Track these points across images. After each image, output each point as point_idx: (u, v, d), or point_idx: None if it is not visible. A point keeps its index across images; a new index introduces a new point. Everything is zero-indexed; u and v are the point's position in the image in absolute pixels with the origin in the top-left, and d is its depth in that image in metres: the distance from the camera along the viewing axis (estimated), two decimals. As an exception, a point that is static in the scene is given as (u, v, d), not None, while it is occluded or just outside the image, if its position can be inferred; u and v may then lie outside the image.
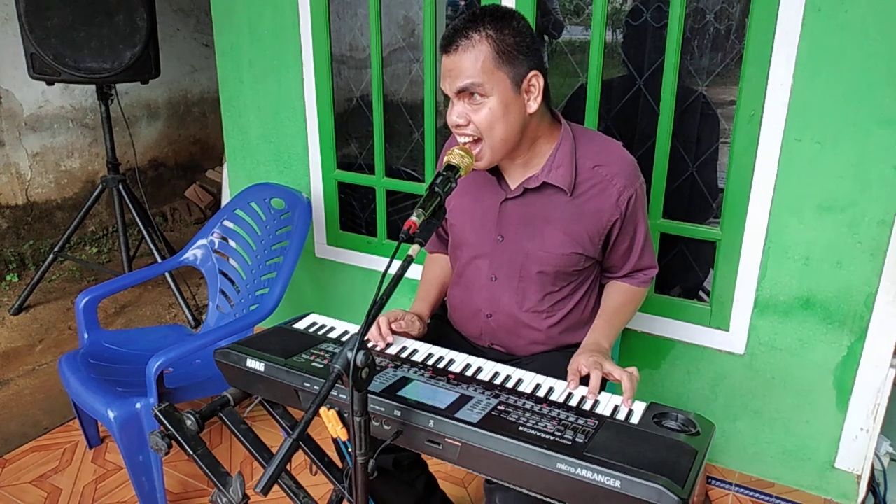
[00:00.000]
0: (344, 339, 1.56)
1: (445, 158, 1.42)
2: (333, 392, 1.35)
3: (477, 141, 1.47)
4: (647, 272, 1.70)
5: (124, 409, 1.96)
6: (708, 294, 2.22)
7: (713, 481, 2.27)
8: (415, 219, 1.30)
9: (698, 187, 2.16)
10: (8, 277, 3.85)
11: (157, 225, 4.43)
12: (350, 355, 1.12)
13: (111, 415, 1.96)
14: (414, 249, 1.29)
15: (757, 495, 2.21)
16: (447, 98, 1.50)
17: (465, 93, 1.43)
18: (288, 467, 1.53)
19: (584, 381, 1.41)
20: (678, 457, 1.17)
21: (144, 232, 3.37)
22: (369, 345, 1.54)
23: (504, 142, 1.47)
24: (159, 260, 3.35)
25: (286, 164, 2.80)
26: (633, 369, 1.42)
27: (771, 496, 2.20)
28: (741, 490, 2.23)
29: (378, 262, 2.68)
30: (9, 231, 3.96)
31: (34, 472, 2.34)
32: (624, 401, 1.33)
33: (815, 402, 2.10)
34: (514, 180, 1.59)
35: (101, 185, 3.40)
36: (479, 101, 1.43)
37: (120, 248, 3.45)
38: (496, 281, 1.66)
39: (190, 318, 3.34)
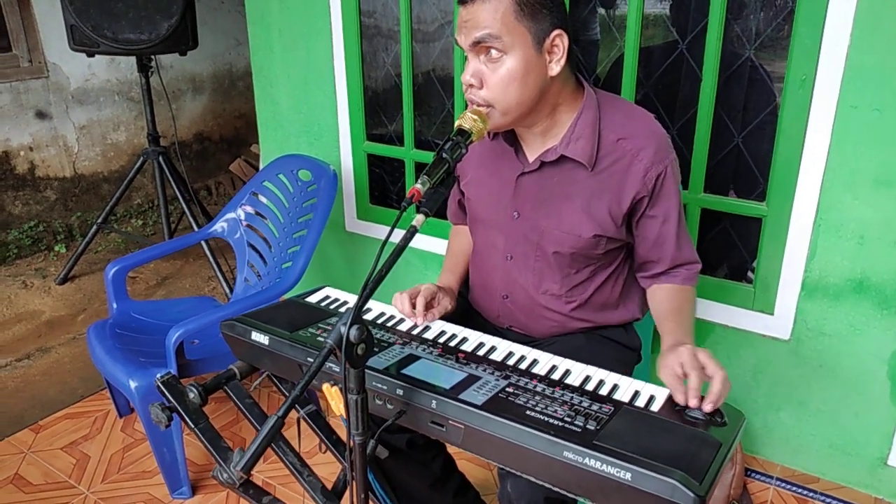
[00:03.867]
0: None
1: (457, 122, 1.33)
2: (336, 368, 1.30)
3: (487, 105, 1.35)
4: (689, 267, 1.52)
5: (145, 380, 1.96)
6: (752, 275, 2.07)
7: (753, 474, 2.14)
8: (419, 186, 1.21)
9: (744, 159, 2.00)
10: (56, 248, 3.94)
11: (201, 199, 4.48)
12: (343, 330, 1.06)
13: (132, 385, 1.96)
14: (418, 220, 1.21)
15: (800, 491, 2.07)
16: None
17: (482, 46, 1.31)
18: (295, 445, 1.50)
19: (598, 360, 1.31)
20: (699, 449, 1.07)
21: (184, 204, 3.38)
22: (404, 324, 1.46)
23: (518, 105, 1.35)
24: (197, 232, 3.36)
25: (316, 136, 2.75)
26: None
27: (815, 492, 2.06)
28: (783, 484, 2.10)
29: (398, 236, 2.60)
30: (57, 203, 4.05)
31: (66, 439, 2.37)
32: (705, 403, 1.16)
33: (866, 394, 1.95)
34: (533, 152, 1.48)
35: (141, 158, 3.43)
36: (495, 58, 1.31)
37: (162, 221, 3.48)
38: (512, 260, 1.56)
39: (227, 290, 3.35)
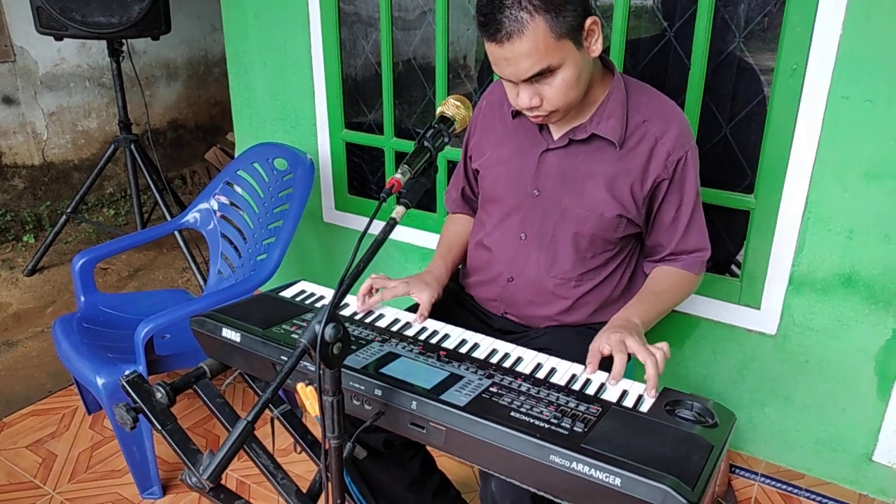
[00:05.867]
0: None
1: (439, 109, 1.27)
2: (312, 367, 1.24)
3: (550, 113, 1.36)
4: (695, 254, 1.52)
5: (113, 377, 1.88)
6: (738, 268, 2.04)
7: (737, 470, 2.11)
8: (399, 177, 1.16)
9: (732, 150, 1.96)
10: (24, 238, 3.82)
11: (176, 188, 4.37)
12: (318, 328, 0.99)
13: (100, 382, 1.88)
14: (398, 212, 1.16)
15: (785, 487, 2.05)
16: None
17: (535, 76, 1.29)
18: (268, 445, 1.43)
19: (608, 364, 1.25)
20: (690, 452, 1.03)
21: (157, 194, 3.29)
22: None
23: (577, 100, 1.36)
24: (170, 223, 3.27)
25: (293, 124, 2.67)
26: (662, 345, 1.25)
27: (800, 488, 2.04)
28: (767, 481, 2.08)
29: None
30: (25, 191, 3.92)
31: (31, 437, 2.29)
32: (647, 389, 1.17)
33: (853, 389, 1.92)
34: (558, 129, 1.46)
35: (113, 146, 3.32)
36: (548, 77, 1.29)
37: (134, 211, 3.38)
38: (525, 240, 1.53)
39: (201, 282, 3.27)
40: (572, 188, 1.46)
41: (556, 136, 1.47)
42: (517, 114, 1.51)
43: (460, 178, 1.73)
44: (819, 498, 2.00)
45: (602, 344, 1.28)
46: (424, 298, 1.47)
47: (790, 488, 2.05)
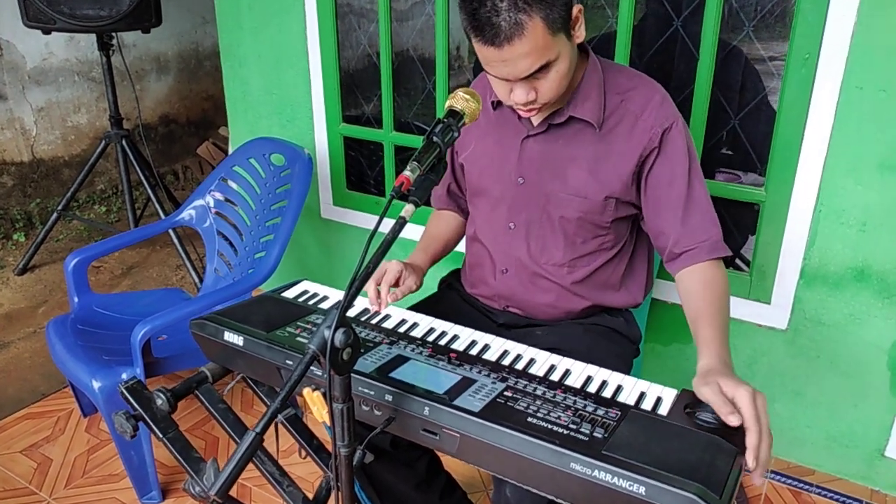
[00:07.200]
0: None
1: (447, 103, 1.22)
2: (319, 372, 1.20)
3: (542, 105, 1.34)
4: (708, 242, 1.38)
5: (110, 380, 1.83)
6: (747, 263, 2.01)
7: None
8: (408, 174, 1.11)
9: (741, 142, 1.93)
10: (14, 236, 3.75)
11: (168, 184, 4.31)
12: (327, 334, 0.95)
13: (96, 385, 1.83)
14: (408, 210, 1.12)
15: (795, 483, 2.03)
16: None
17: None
18: (274, 452, 1.39)
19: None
20: (714, 457, 0.99)
21: (149, 190, 3.23)
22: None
23: (565, 87, 1.33)
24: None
25: (289, 118, 2.62)
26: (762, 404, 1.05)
27: (811, 485, 2.01)
28: (778, 477, 2.05)
29: (387, 225, 2.49)
30: (14, 189, 3.85)
31: (26, 441, 2.24)
32: (747, 463, 1.00)
33: (865, 385, 1.90)
34: (538, 115, 1.43)
35: (104, 141, 3.26)
36: (544, 72, 1.26)
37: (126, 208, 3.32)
38: (514, 229, 1.51)
39: (197, 280, 3.22)
40: (554, 173, 1.44)
41: (535, 122, 1.45)
42: (498, 104, 1.49)
43: (447, 174, 1.69)
44: (830, 494, 1.98)
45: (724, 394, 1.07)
46: (404, 287, 1.46)
47: (801, 484, 2.02)
